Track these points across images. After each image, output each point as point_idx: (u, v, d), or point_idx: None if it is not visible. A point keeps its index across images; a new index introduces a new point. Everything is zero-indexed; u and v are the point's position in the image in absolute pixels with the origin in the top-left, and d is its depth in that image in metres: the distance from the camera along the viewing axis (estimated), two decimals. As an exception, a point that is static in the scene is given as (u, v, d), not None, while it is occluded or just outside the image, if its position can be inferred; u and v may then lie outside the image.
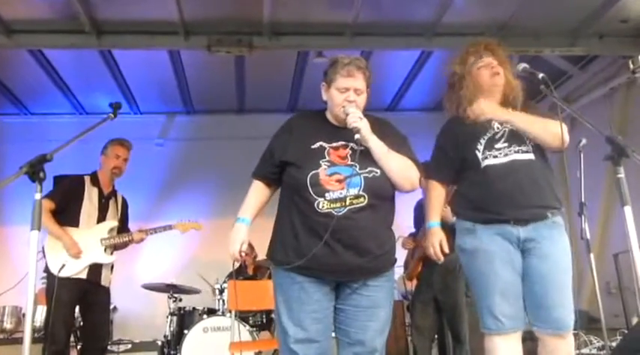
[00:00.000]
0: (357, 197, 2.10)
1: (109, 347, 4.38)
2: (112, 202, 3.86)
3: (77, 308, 3.67)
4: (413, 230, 4.52)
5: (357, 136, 2.12)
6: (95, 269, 3.64)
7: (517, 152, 2.38)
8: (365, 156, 2.14)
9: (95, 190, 3.77)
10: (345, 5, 4.60)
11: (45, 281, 3.60)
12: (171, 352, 4.49)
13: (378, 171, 2.16)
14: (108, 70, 5.74)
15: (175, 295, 4.84)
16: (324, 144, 2.20)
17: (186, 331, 4.37)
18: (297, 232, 2.14)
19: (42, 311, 4.12)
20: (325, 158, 2.16)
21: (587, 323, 4.68)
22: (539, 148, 2.42)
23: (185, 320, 4.65)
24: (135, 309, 5.93)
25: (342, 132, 2.22)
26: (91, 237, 3.66)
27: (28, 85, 6.04)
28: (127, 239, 3.82)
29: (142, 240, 3.88)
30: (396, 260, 2.28)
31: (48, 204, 3.51)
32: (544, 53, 5.25)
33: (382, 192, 2.18)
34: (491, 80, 2.46)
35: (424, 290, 4.34)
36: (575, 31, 5.13)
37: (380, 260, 2.17)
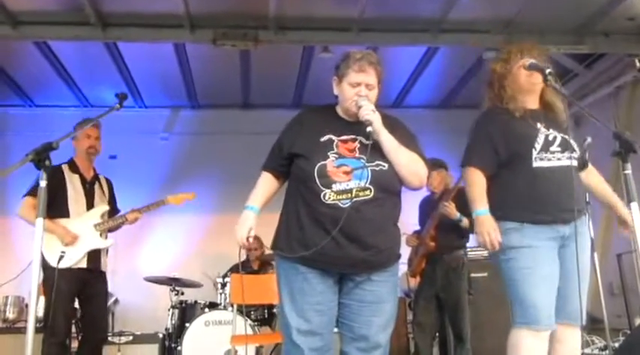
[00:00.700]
0: (363, 189, 2.10)
1: (110, 339, 4.37)
2: (97, 187, 3.79)
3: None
4: (417, 227, 4.50)
5: (369, 129, 2.11)
6: (94, 255, 3.62)
7: (569, 158, 2.42)
8: (373, 150, 2.13)
9: (76, 177, 3.69)
10: (351, 0, 4.60)
11: (42, 275, 3.54)
12: (173, 345, 4.50)
13: (386, 165, 2.16)
14: (113, 63, 5.73)
15: (177, 288, 4.85)
16: (333, 137, 2.20)
17: (187, 324, 4.38)
18: (302, 223, 2.14)
19: (42, 302, 4.10)
20: (333, 150, 2.16)
21: (589, 323, 4.66)
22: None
23: (187, 313, 4.65)
24: (137, 302, 5.95)
25: (352, 126, 2.22)
26: (84, 224, 3.61)
27: (33, 76, 6.04)
28: (120, 221, 3.76)
29: (136, 219, 3.80)
30: (400, 255, 2.28)
31: (31, 201, 3.45)
32: (550, 51, 5.18)
33: (389, 186, 2.17)
34: (528, 80, 2.50)
35: (427, 287, 4.34)
36: (581, 29, 5.11)
37: (384, 254, 2.17)
